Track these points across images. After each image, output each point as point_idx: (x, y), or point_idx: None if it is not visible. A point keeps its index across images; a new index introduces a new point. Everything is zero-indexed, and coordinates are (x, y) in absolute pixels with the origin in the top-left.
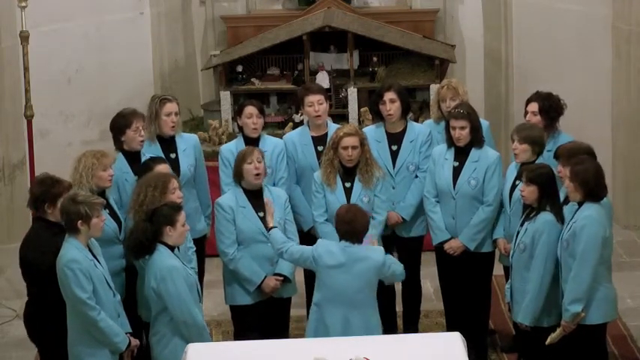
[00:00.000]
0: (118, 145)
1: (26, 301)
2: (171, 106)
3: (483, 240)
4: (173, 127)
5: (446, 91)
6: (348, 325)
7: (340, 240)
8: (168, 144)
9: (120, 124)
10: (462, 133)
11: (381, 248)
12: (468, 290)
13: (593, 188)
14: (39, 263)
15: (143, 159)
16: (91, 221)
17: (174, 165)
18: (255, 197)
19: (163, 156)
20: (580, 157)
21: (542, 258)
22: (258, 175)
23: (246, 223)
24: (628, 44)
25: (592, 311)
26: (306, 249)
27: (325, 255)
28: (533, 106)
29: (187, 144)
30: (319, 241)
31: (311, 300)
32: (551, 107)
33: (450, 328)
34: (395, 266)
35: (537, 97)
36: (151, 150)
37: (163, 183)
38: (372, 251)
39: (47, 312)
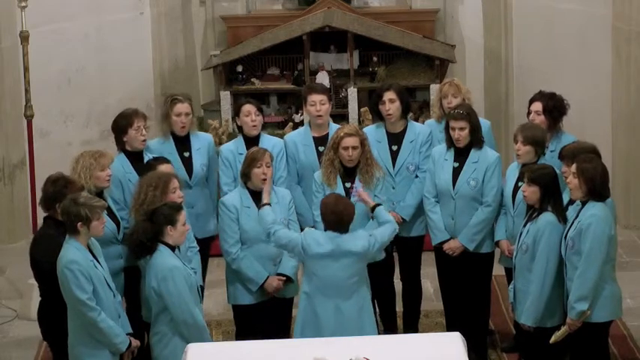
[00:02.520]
0: (120, 145)
1: (40, 300)
2: (181, 107)
3: (483, 240)
4: (183, 127)
5: (448, 87)
6: (340, 314)
7: (326, 230)
8: (182, 142)
9: (121, 124)
10: (461, 133)
11: (364, 233)
12: (467, 290)
13: (597, 187)
14: (46, 262)
15: (150, 157)
16: (91, 224)
17: (187, 163)
18: (260, 198)
19: (177, 153)
20: (588, 155)
21: (543, 259)
22: (265, 180)
23: (249, 223)
24: (628, 44)
25: (598, 309)
26: (295, 236)
27: (314, 245)
28: (537, 106)
29: (202, 143)
30: (307, 229)
31: None
32: (554, 107)
33: (450, 328)
34: (380, 237)
35: (541, 96)
36: (164, 147)
37: (164, 183)
38: (357, 239)
39: (59, 311)
